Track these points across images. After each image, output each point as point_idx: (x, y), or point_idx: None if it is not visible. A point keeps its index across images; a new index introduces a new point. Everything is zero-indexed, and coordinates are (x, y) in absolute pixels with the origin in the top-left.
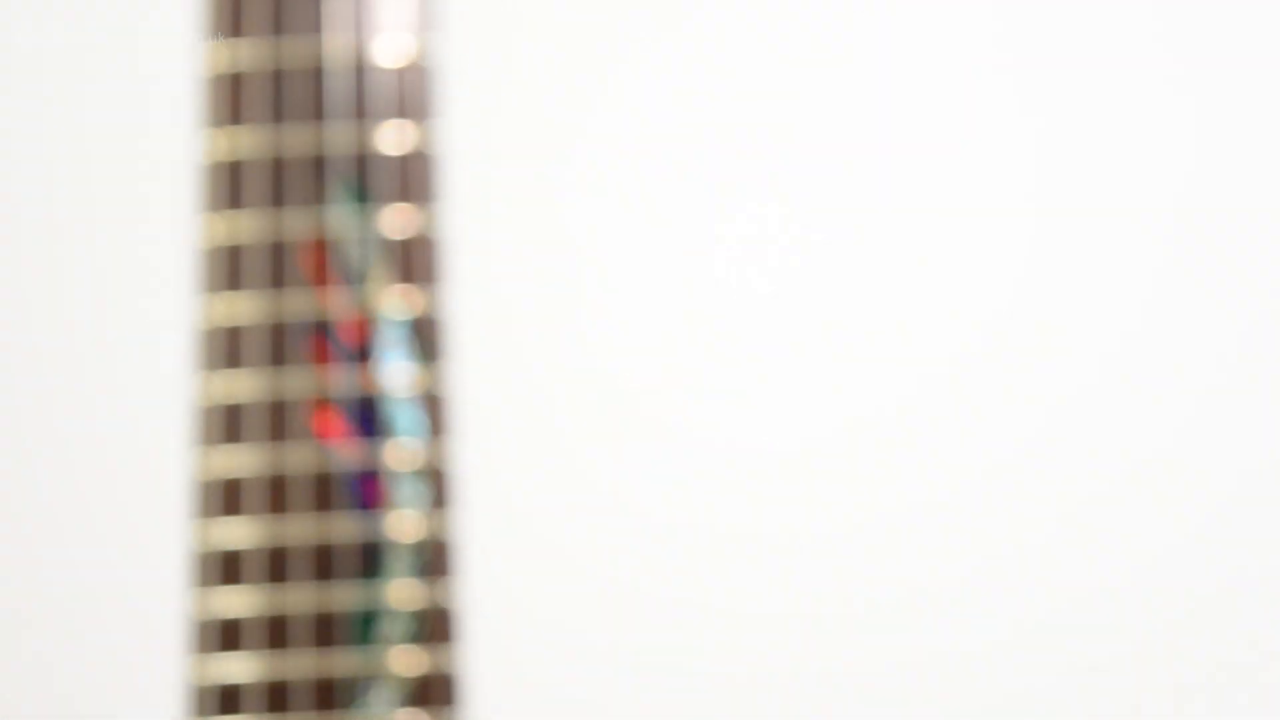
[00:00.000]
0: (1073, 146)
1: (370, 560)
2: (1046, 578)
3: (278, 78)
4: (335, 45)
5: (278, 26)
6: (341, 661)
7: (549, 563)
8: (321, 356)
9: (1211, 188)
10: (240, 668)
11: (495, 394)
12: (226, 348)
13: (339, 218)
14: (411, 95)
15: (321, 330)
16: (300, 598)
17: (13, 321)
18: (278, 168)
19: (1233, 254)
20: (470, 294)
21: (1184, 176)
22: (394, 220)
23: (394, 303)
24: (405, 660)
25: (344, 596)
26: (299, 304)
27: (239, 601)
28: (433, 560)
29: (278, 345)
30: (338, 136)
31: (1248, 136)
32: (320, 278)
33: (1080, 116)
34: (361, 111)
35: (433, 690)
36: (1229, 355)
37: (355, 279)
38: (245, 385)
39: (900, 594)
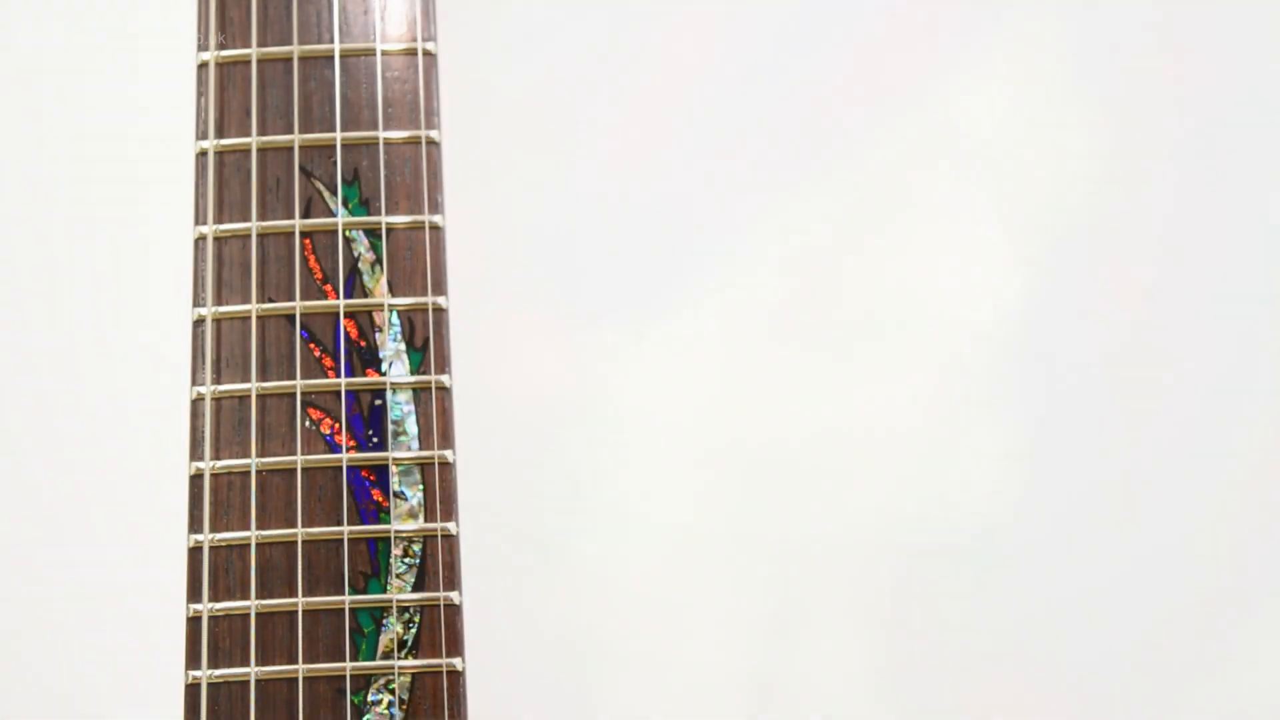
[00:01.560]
0: (1072, 147)
1: (370, 560)
2: (1048, 578)
3: (278, 79)
4: (335, 48)
5: (277, 29)
6: (341, 661)
7: (549, 563)
8: (321, 357)
9: (1209, 189)
10: (239, 668)
11: (495, 393)
12: (226, 348)
13: (339, 219)
14: (411, 96)
15: (321, 331)
16: (300, 598)
17: (13, 322)
18: (277, 169)
19: (1232, 256)
20: (470, 294)
21: (1184, 178)
22: (394, 221)
23: (394, 303)
24: (405, 660)
25: (344, 596)
26: (299, 304)
27: (238, 602)
28: (432, 560)
29: (277, 346)
30: (338, 138)
31: (1245, 138)
32: (320, 278)
33: (1080, 116)
34: (361, 113)
35: (433, 690)
36: (1230, 356)
37: (355, 280)
38: (245, 385)
39: (902, 595)
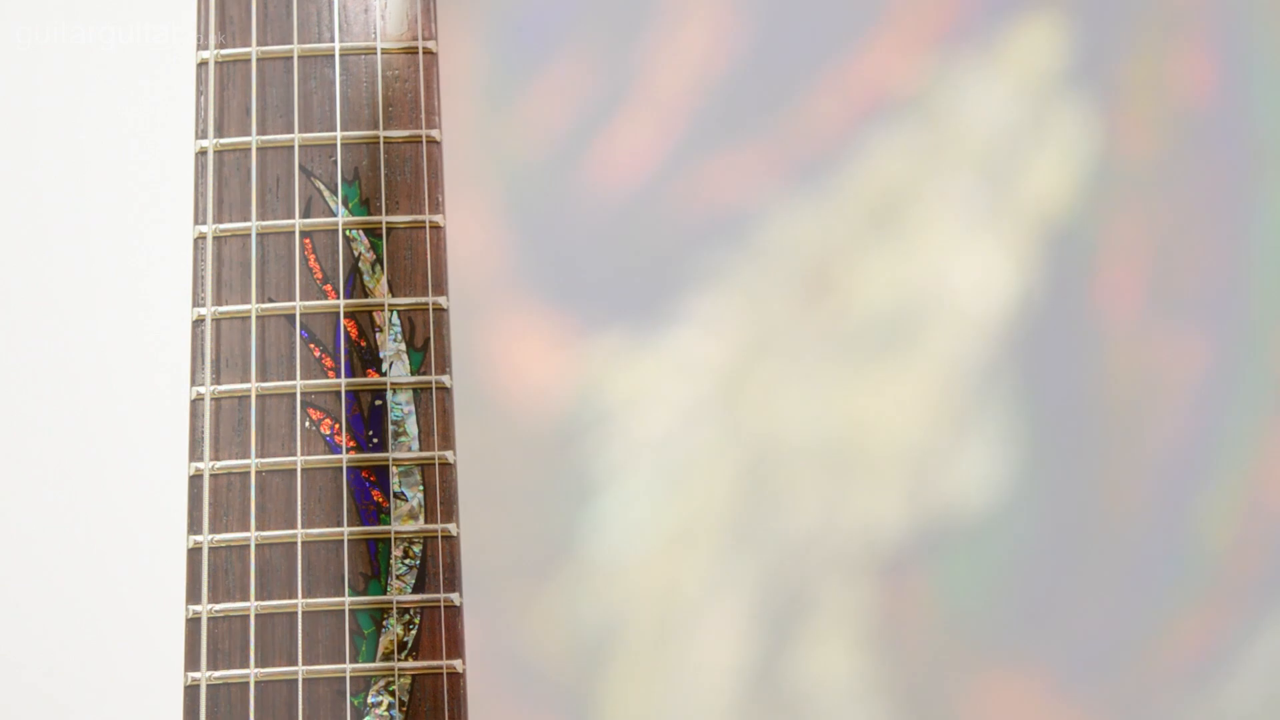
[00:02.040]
0: (1071, 148)
1: (370, 562)
2: (1049, 579)
3: (278, 78)
4: (335, 46)
5: (277, 28)
6: (341, 663)
7: (549, 564)
8: (321, 357)
9: (1209, 189)
10: (239, 669)
11: (495, 393)
12: (225, 348)
13: (339, 218)
14: (412, 95)
15: (321, 331)
16: (299, 599)
17: (11, 321)
18: (277, 168)
19: (1232, 255)
20: (470, 294)
21: (1180, 179)
22: (394, 220)
23: (394, 303)
24: (405, 661)
25: (344, 598)
26: (299, 304)
27: (237, 603)
28: (433, 561)
29: (277, 346)
30: (338, 137)
31: (1244, 137)
32: (320, 278)
33: (1076, 116)
34: (362, 112)
35: (433, 692)
36: (1230, 356)
37: (355, 279)
38: (244, 386)
39: (902, 595)
